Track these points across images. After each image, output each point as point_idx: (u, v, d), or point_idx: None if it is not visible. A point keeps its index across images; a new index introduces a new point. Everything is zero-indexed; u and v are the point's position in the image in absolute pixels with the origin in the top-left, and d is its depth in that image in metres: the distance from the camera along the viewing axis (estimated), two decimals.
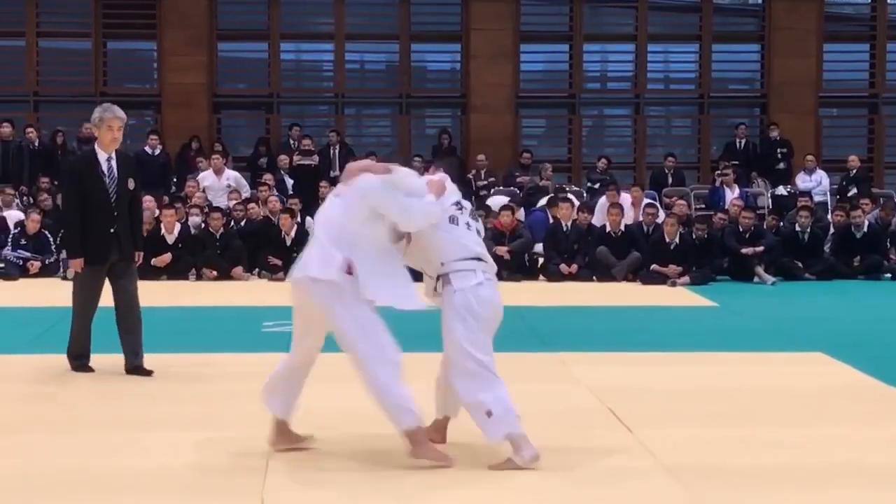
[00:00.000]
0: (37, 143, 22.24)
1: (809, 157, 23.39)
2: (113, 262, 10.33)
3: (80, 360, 10.44)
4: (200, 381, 10.10)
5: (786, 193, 22.72)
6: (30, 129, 22.48)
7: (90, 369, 10.38)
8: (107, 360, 10.49)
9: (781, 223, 20.08)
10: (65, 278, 17.69)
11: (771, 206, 22.14)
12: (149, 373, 10.23)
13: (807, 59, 25.51)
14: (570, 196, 20.49)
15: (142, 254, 10.73)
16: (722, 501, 6.66)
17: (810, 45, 25.57)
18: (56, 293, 16.20)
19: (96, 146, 10.30)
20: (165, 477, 7.12)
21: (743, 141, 24.40)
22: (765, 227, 19.84)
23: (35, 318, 13.87)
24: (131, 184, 10.31)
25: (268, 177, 21.53)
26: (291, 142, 23.56)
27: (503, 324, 13.17)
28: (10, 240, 18.43)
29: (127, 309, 10.40)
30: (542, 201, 21.06)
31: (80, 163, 10.70)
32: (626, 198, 20.58)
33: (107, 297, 10.50)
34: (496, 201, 20.88)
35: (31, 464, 7.43)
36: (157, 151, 22.30)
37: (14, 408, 9.03)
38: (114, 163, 10.22)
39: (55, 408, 9.10)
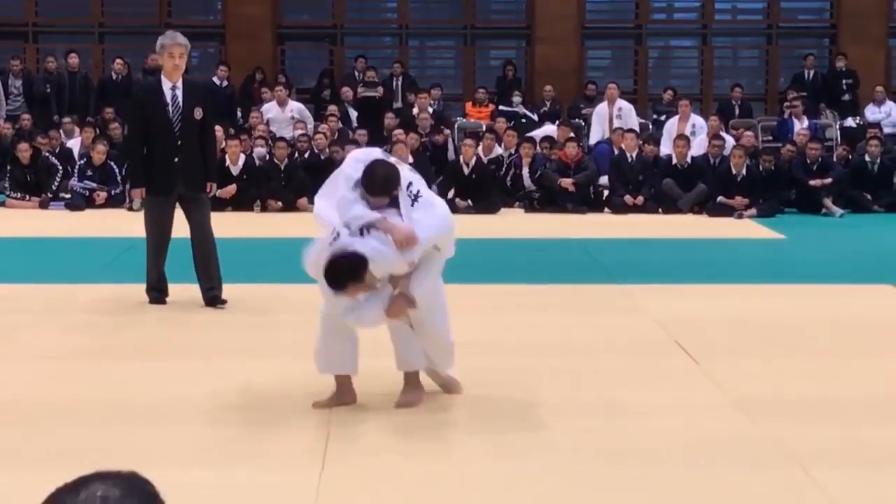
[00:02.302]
0: (120, 77, 22.27)
1: (879, 89, 23.03)
2: (180, 193, 10.19)
3: (154, 293, 10.39)
4: (266, 311, 10.14)
5: (854, 125, 22.43)
6: (119, 61, 22.48)
7: (164, 302, 10.34)
8: (185, 290, 10.54)
9: (851, 155, 19.84)
10: (131, 209, 17.79)
11: (839, 138, 21.87)
12: (223, 302, 10.18)
13: None
14: (633, 127, 20.37)
15: (214, 185, 10.59)
16: (789, 433, 6.61)
17: None
18: (122, 223, 16.33)
19: (161, 75, 10.11)
20: (229, 406, 7.15)
21: (811, 72, 24.06)
22: (834, 158, 19.62)
23: (102, 248, 13.97)
24: (198, 113, 10.09)
25: (332, 108, 21.52)
26: (356, 73, 23.49)
27: (568, 256, 13.15)
28: (76, 171, 18.54)
29: (200, 241, 10.29)
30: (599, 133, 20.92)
31: (143, 91, 10.60)
32: (698, 121, 20.53)
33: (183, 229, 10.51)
34: (544, 131, 20.73)
35: (94, 391, 7.50)
36: (225, 83, 22.31)
37: (80, 336, 9.10)
38: (179, 91, 9.99)
39: (120, 336, 9.17)
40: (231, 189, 17.75)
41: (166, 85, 10.00)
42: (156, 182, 10.12)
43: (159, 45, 10.02)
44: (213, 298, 10.20)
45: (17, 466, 6.09)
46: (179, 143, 10.08)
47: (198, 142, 10.16)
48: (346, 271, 6.61)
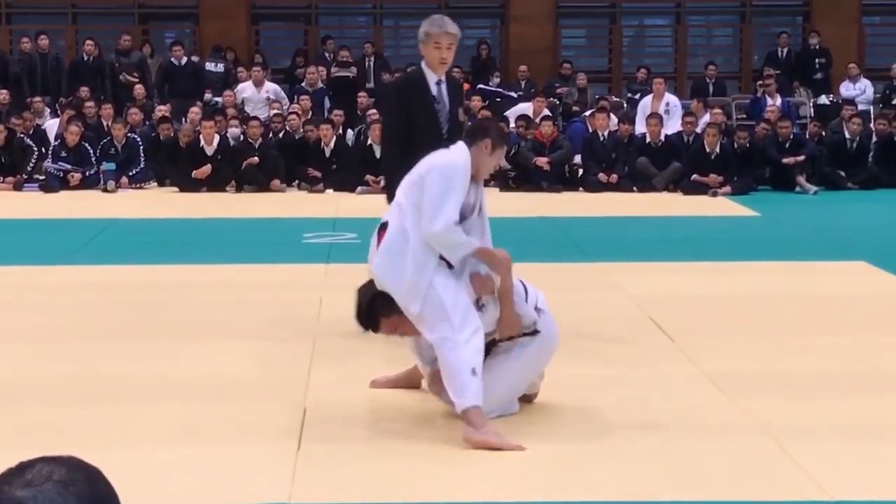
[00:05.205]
0: (91, 58, 22.14)
1: (852, 65, 23.10)
2: None
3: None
4: (243, 291, 10.14)
5: (828, 103, 22.50)
6: (89, 42, 22.33)
7: None
8: (167, 270, 10.48)
9: (824, 132, 19.90)
10: (105, 190, 17.76)
11: (813, 116, 21.95)
12: None
13: None
14: (604, 105, 20.34)
15: None
16: (763, 408, 6.66)
17: None
18: (97, 205, 16.33)
19: (423, 67, 8.38)
20: (204, 385, 7.17)
21: (785, 50, 24.13)
22: (807, 135, 19.66)
23: (77, 230, 13.94)
24: (461, 114, 8.56)
25: (310, 79, 21.53)
26: (326, 54, 23.44)
27: (542, 234, 13.17)
28: (50, 152, 18.47)
29: None
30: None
31: (408, 84, 8.82)
32: (672, 100, 20.34)
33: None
34: (518, 109, 20.68)
35: (67, 371, 7.51)
36: (184, 62, 22.06)
37: (54, 317, 9.09)
38: (443, 87, 8.36)
39: (94, 317, 9.15)
40: (206, 169, 17.72)
41: (431, 79, 8.35)
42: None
43: (423, 34, 8.32)
44: None
45: None
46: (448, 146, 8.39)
47: None
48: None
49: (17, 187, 18.06)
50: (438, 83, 8.34)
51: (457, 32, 8.28)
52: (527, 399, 6.76)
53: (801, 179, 18.19)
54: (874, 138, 19.24)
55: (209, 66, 22.26)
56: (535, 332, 6.52)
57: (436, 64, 8.28)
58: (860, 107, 21.44)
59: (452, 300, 6.17)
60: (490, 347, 6.49)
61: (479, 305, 6.38)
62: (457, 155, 6.43)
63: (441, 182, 6.29)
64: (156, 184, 18.39)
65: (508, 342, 6.52)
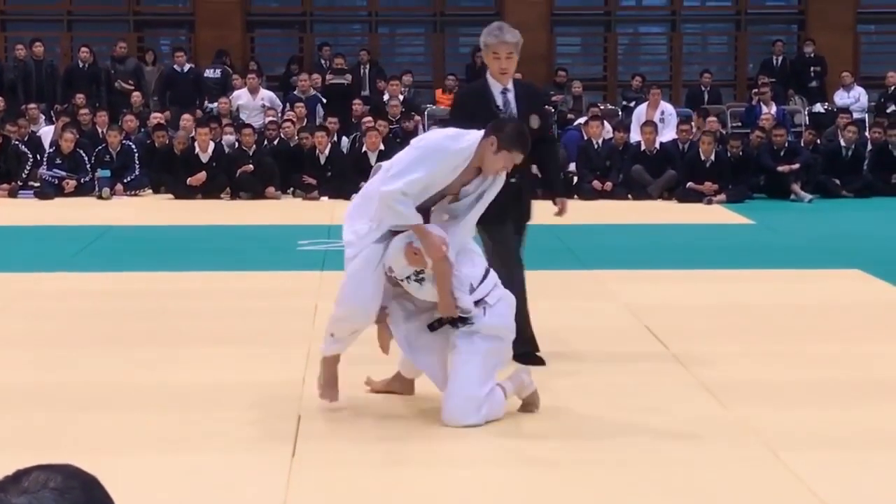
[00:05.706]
0: (86, 65, 22.16)
1: (845, 74, 23.14)
2: (513, 218, 8.10)
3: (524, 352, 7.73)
4: (238, 298, 10.13)
5: (822, 111, 22.53)
6: (84, 49, 22.36)
7: (540, 361, 7.83)
8: (157, 277, 10.47)
9: (819, 140, 19.93)
10: (100, 197, 17.76)
11: (808, 124, 21.97)
12: (541, 362, 7.83)
13: None
14: (597, 113, 20.34)
15: (565, 201, 8.73)
16: (757, 416, 6.66)
17: None
18: (92, 212, 16.33)
19: (488, 76, 8.10)
20: (199, 392, 7.17)
21: (780, 58, 24.15)
22: (802, 143, 19.70)
23: (72, 237, 13.94)
24: (535, 121, 8.04)
25: (302, 86, 21.51)
26: (322, 61, 23.46)
27: (538, 241, 13.16)
28: (45, 159, 18.46)
29: (507, 277, 7.32)
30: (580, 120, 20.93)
31: (469, 95, 8.55)
32: (668, 108, 20.36)
33: None
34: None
35: (62, 378, 7.51)
36: (186, 69, 22.08)
37: (49, 324, 9.08)
38: (511, 95, 8.01)
39: (89, 324, 9.15)
40: (201, 177, 17.73)
41: (495, 88, 8.04)
42: (490, 207, 7.02)
43: (482, 44, 8.09)
44: (522, 356, 7.59)
45: None
46: None
47: (532, 156, 7.66)
48: None
49: (12, 194, 18.05)
50: (504, 92, 8.04)
51: (516, 41, 8.02)
52: (529, 409, 6.75)
53: (796, 187, 18.21)
54: (869, 146, 19.29)
55: (208, 72, 22.29)
56: (469, 322, 6.55)
57: (497, 74, 8.03)
58: (855, 115, 21.46)
59: (350, 272, 6.66)
60: (438, 323, 6.62)
61: (420, 278, 6.51)
62: (456, 140, 6.55)
63: (418, 154, 6.49)
64: (151, 191, 18.40)
65: (452, 330, 6.58)
